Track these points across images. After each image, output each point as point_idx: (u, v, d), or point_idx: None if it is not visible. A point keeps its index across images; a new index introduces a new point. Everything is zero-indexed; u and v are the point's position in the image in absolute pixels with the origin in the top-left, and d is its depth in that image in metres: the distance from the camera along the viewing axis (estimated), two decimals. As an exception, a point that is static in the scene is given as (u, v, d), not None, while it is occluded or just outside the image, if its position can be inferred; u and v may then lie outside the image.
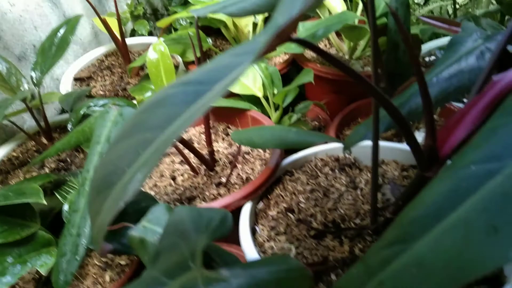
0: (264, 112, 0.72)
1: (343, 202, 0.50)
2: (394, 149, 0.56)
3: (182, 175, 0.62)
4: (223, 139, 0.69)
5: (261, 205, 0.53)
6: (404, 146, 0.56)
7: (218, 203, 0.51)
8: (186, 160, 0.61)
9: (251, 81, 0.72)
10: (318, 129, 0.78)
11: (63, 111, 0.92)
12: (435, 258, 0.25)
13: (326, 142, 0.57)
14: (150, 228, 0.37)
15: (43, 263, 0.46)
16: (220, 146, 0.66)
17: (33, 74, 0.68)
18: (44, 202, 0.46)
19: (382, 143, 0.56)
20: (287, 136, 0.43)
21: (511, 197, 0.23)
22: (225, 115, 0.72)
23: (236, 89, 0.71)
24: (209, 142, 0.61)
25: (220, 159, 0.64)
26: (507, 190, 0.24)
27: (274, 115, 0.75)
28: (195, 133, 0.71)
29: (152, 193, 0.60)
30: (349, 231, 0.46)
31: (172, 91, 0.22)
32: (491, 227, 0.24)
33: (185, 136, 0.70)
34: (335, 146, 0.58)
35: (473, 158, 0.27)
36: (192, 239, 0.30)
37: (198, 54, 0.62)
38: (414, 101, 0.45)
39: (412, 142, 0.36)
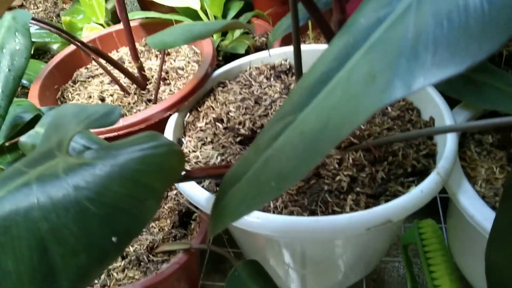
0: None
1: (274, 108, 0.47)
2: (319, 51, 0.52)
3: (111, 95, 0.58)
4: (156, 56, 0.64)
5: (190, 117, 0.50)
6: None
7: (138, 116, 0.48)
8: (115, 80, 0.57)
9: (187, -8, 0.66)
10: (266, 46, 0.73)
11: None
12: (315, 122, 0.22)
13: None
14: (42, 132, 0.34)
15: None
16: (153, 64, 0.62)
17: None
18: None
19: (307, 47, 0.53)
20: (194, 28, 0.39)
21: (392, 41, 0.20)
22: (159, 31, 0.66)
23: (170, 1, 0.65)
24: (135, 57, 0.56)
25: (152, 76, 0.59)
26: (389, 35, 0.21)
27: (215, 30, 0.69)
28: (126, 52, 0.66)
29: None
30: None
31: None
32: (369, 77, 0.21)
33: (115, 56, 0.65)
34: (271, 53, 0.54)
35: (365, 12, 0.24)
36: (65, 130, 0.27)
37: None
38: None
39: (323, 25, 0.32)
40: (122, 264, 0.45)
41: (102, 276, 0.44)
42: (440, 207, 0.57)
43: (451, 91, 0.44)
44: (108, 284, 0.44)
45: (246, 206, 0.23)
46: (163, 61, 0.56)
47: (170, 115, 0.47)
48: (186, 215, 0.49)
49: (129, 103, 0.56)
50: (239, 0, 0.73)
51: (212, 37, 0.69)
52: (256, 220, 0.33)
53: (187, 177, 0.32)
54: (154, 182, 0.21)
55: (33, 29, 0.68)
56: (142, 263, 0.45)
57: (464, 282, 0.44)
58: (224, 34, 0.71)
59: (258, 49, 0.70)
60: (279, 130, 0.24)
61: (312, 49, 0.53)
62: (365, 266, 0.47)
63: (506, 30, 0.16)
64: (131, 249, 0.46)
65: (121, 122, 0.47)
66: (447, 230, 0.50)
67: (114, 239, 0.20)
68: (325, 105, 0.22)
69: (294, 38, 0.38)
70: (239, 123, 0.46)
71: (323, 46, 0.53)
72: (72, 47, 0.63)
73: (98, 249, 0.20)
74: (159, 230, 0.48)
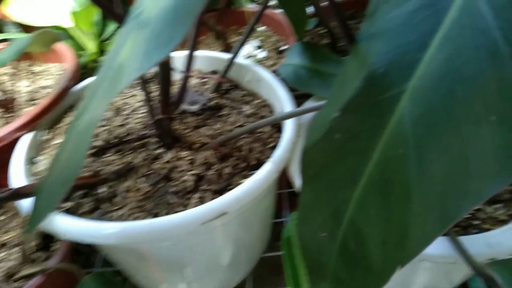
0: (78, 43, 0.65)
1: (134, 117, 0.47)
2: (196, 57, 0.53)
3: (-27, 121, 0.55)
4: (28, 78, 0.61)
5: (48, 135, 0.48)
6: (206, 53, 0.53)
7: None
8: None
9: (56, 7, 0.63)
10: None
11: None
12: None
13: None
14: None
15: None
16: (21, 86, 0.59)
17: None
18: None
19: (182, 53, 0.53)
20: (16, 44, 0.38)
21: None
22: (28, 52, 0.63)
23: (38, 21, 0.63)
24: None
25: (21, 98, 0.57)
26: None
27: (92, 44, 0.68)
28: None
29: None
30: (132, 143, 0.43)
31: None
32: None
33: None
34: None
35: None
36: None
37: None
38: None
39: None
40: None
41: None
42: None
43: (300, 85, 0.46)
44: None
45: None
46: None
47: (23, 134, 0.45)
48: (49, 237, 0.47)
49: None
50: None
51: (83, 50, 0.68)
52: (89, 230, 0.32)
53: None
54: None
55: None
56: (1, 294, 0.42)
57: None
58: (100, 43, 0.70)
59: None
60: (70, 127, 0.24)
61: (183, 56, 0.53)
62: (244, 263, 0.48)
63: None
64: (-10, 281, 0.43)
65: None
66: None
67: None
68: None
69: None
70: (95, 135, 0.45)
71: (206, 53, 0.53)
72: None
73: None
74: (19, 254, 0.45)
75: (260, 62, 0.64)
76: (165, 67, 0.33)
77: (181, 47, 0.70)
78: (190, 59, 0.37)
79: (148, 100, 0.40)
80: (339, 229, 0.25)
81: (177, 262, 0.41)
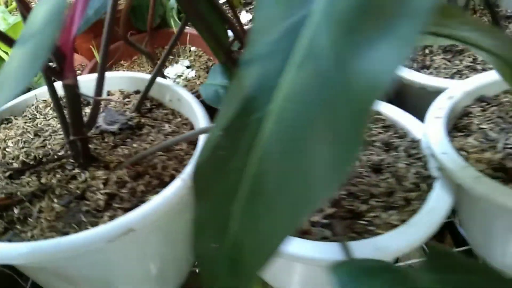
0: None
1: (54, 138, 0.47)
2: (118, 77, 0.54)
3: None
4: None
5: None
6: (129, 74, 0.54)
7: None
8: None
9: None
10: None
11: None
12: None
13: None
14: None
15: None
16: None
17: None
18: None
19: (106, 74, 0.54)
20: None
21: None
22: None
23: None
24: None
25: None
26: None
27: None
28: None
29: None
30: (50, 164, 0.43)
31: None
32: None
33: None
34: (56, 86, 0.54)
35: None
36: None
37: None
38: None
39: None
40: None
41: None
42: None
43: (219, 104, 0.48)
44: None
45: None
46: None
47: None
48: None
49: None
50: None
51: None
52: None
53: None
54: None
55: None
56: None
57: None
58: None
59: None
60: None
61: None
62: (172, 277, 0.48)
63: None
64: None
65: None
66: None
67: None
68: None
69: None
70: (13, 158, 0.45)
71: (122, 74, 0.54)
72: None
73: None
74: None
75: (189, 81, 0.66)
76: (71, 90, 0.34)
77: (111, 66, 0.71)
78: (100, 81, 0.38)
79: (63, 122, 0.41)
80: (225, 240, 0.27)
81: (100, 279, 0.41)
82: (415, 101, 0.56)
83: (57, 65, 0.33)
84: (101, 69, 0.37)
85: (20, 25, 0.63)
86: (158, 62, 0.47)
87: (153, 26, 0.64)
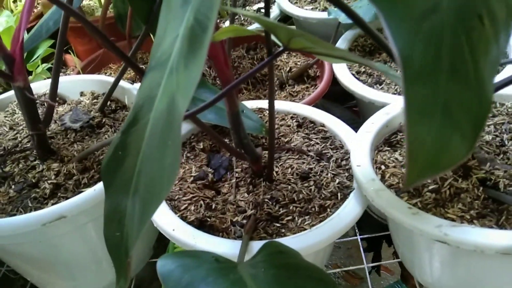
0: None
1: (25, 132, 0.53)
2: (90, 80, 0.59)
3: None
4: None
5: None
6: (99, 77, 0.60)
7: None
8: None
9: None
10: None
11: None
12: None
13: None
14: None
15: None
16: None
17: None
18: None
19: (81, 76, 0.60)
20: None
21: None
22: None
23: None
24: None
25: None
26: None
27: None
28: None
29: None
30: (15, 154, 0.49)
31: None
32: None
33: None
34: (43, 84, 0.60)
35: None
36: None
37: None
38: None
39: None
40: None
41: None
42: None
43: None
44: None
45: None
46: None
47: None
48: None
49: None
50: (48, 39, 0.79)
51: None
52: None
53: None
54: None
55: None
56: None
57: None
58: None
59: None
60: None
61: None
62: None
63: None
64: None
65: None
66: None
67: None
68: None
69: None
70: (-15, 148, 0.51)
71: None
72: None
73: None
74: None
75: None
76: (21, 91, 0.39)
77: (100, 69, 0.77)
78: (54, 85, 0.43)
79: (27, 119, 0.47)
80: (123, 231, 0.32)
81: (56, 261, 0.46)
82: (368, 115, 0.59)
83: (8, 69, 0.38)
84: (54, 74, 0.42)
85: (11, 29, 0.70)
86: (120, 68, 0.52)
87: (136, 34, 0.69)
